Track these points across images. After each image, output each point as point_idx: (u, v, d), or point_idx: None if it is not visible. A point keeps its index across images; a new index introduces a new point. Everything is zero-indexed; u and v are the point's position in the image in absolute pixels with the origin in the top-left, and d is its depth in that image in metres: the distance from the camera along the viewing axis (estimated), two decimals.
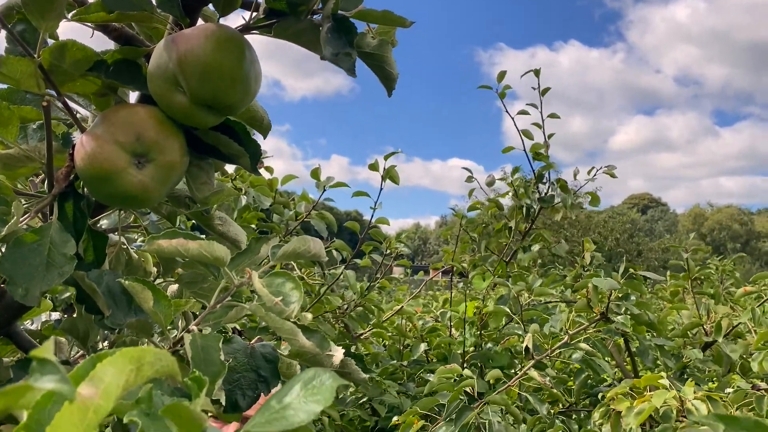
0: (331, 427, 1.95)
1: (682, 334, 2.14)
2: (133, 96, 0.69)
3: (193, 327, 0.61)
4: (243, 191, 1.90)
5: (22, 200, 0.65)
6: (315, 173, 2.11)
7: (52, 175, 0.61)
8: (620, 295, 1.94)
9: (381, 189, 2.16)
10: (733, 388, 1.84)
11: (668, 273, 2.52)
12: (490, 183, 2.83)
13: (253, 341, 0.80)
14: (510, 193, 2.69)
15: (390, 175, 2.12)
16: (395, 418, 1.72)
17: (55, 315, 1.04)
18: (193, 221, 0.82)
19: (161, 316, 0.59)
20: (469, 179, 2.82)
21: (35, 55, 0.55)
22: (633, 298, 1.96)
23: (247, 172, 1.98)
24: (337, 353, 0.75)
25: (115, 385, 0.34)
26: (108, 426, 0.74)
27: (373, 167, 2.12)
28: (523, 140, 2.59)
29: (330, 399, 0.46)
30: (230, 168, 1.86)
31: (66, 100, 0.61)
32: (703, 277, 2.42)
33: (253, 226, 1.99)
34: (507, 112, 2.58)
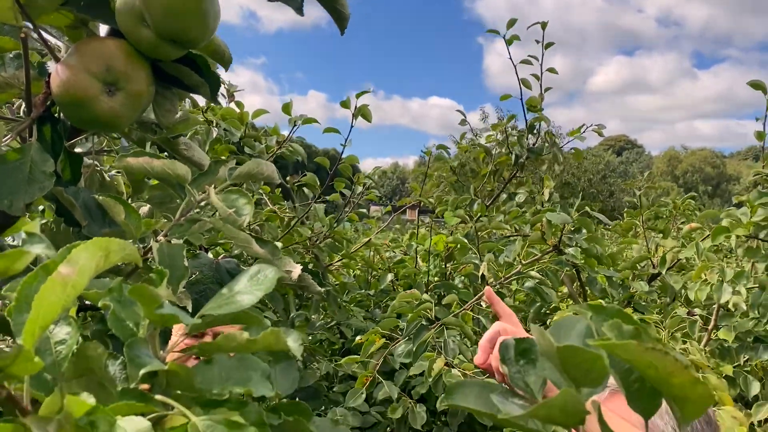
0: (303, 349, 2.08)
1: (631, 267, 2.29)
2: (103, 29, 0.75)
3: (160, 238, 0.69)
4: (214, 123, 1.95)
5: (2, 123, 0.72)
6: (286, 108, 2.16)
7: (30, 101, 0.68)
8: (572, 229, 2.06)
9: (352, 126, 2.22)
10: (673, 316, 2.00)
11: (624, 210, 2.66)
12: (477, 132, 2.92)
13: (218, 258, 0.89)
14: (498, 139, 2.77)
15: (362, 112, 2.18)
16: (359, 338, 1.85)
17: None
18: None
19: (132, 228, 0.68)
20: (463, 122, 2.90)
21: None
22: (584, 231, 2.09)
23: (218, 105, 2.03)
24: (296, 269, 0.85)
25: (88, 266, 0.43)
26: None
27: (345, 104, 2.18)
28: (521, 89, 2.63)
29: (271, 288, 0.57)
30: (202, 101, 1.91)
31: (41, 31, 0.67)
32: (657, 215, 2.55)
33: (223, 158, 2.05)
34: (511, 59, 2.60)
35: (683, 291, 2.16)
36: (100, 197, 0.67)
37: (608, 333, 0.48)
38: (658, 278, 2.28)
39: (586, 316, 0.56)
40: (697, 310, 2.03)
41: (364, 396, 1.75)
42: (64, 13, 0.68)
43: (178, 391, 0.50)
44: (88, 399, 0.37)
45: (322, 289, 0.97)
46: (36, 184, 0.65)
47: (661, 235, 2.37)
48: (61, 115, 0.71)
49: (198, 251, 0.83)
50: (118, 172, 0.97)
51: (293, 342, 0.53)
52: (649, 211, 2.39)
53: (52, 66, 0.75)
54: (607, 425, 0.46)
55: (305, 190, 2.34)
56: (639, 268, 2.33)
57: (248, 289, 0.56)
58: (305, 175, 2.31)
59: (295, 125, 2.03)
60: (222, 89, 2.28)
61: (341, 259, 2.39)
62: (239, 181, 0.68)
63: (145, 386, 0.48)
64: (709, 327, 1.85)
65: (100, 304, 0.52)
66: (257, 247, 0.66)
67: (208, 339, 0.89)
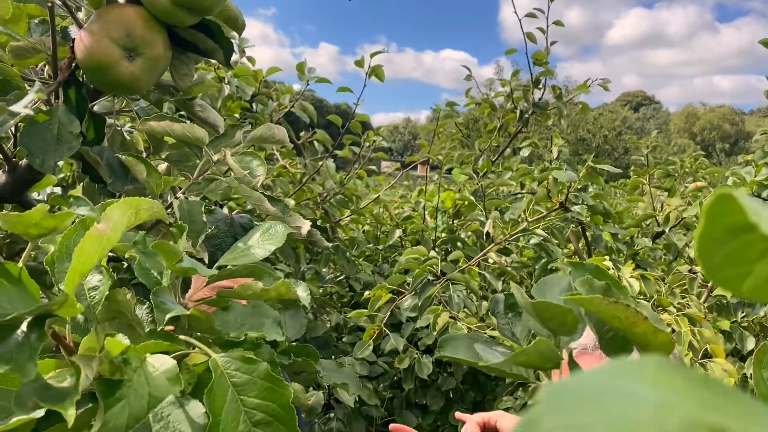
0: (312, 301, 2.16)
1: (636, 224, 2.32)
2: None
3: (180, 195, 0.74)
4: (226, 81, 1.98)
5: (27, 85, 0.76)
6: (300, 67, 2.18)
7: (57, 65, 0.72)
8: (579, 187, 2.09)
9: (364, 86, 2.24)
10: (674, 273, 2.04)
11: (632, 168, 2.67)
12: (489, 83, 2.92)
13: (233, 213, 0.95)
14: (504, 95, 2.77)
15: (375, 72, 2.20)
16: (367, 293, 1.92)
17: (57, 189, 1.18)
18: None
19: (152, 185, 0.73)
20: (468, 77, 2.90)
21: None
22: (591, 189, 2.12)
23: (231, 69, 2.06)
24: (305, 225, 0.90)
25: (120, 222, 0.48)
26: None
27: (359, 64, 2.19)
28: (526, 43, 2.62)
29: (281, 242, 0.62)
30: None
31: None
32: (664, 173, 2.57)
33: (236, 115, 2.09)
34: (516, 12, 2.59)
35: (687, 249, 2.20)
36: (123, 156, 0.72)
37: (579, 288, 0.54)
38: (663, 236, 2.32)
39: (566, 270, 0.62)
40: (698, 268, 2.07)
41: (371, 348, 1.82)
42: None
43: (198, 334, 0.56)
44: (123, 340, 0.43)
45: (330, 245, 1.03)
46: (64, 143, 0.70)
47: (667, 193, 2.39)
48: (85, 78, 0.75)
49: (213, 207, 0.88)
50: (131, 130, 1.02)
51: (302, 292, 0.58)
52: (657, 169, 2.41)
53: (74, 31, 0.79)
54: (577, 365, 0.52)
55: (315, 144, 2.38)
56: (644, 226, 2.37)
57: (261, 243, 0.61)
58: (315, 132, 2.34)
59: (308, 83, 2.05)
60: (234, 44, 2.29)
61: (351, 215, 2.45)
62: (253, 144, 0.72)
63: (170, 328, 0.53)
64: (709, 283, 1.90)
65: (126, 255, 0.58)
66: (269, 205, 0.71)
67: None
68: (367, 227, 2.73)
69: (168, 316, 0.51)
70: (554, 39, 2.66)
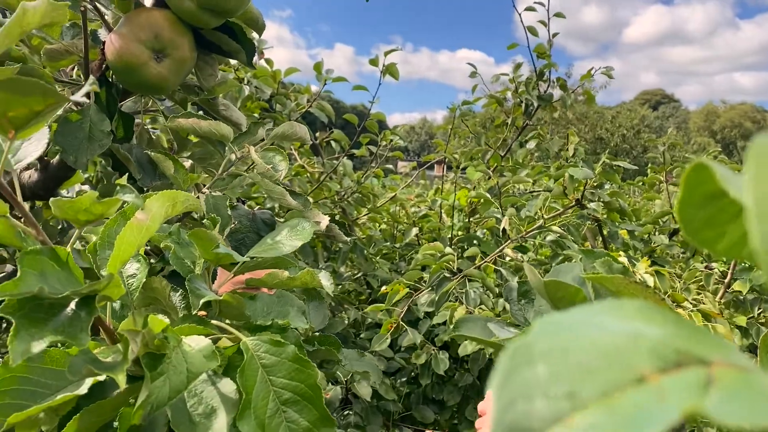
0: (330, 298, 2.19)
1: (653, 221, 2.33)
2: (147, 1, 0.82)
3: (205, 190, 0.78)
4: (246, 81, 2.02)
5: (59, 86, 0.80)
6: (317, 67, 2.22)
7: (88, 66, 0.76)
8: (595, 184, 2.10)
9: (379, 84, 2.27)
10: (690, 269, 2.05)
11: (649, 166, 2.67)
12: (495, 79, 2.93)
13: (254, 209, 0.98)
14: (511, 90, 2.79)
15: (390, 71, 2.23)
16: (384, 288, 1.95)
17: (85, 187, 1.22)
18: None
19: (180, 180, 0.76)
20: (473, 74, 2.91)
21: None
22: (607, 186, 2.13)
23: (253, 69, 2.10)
24: (324, 220, 0.93)
25: (159, 213, 0.51)
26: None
27: (373, 62, 2.22)
28: (528, 37, 2.64)
29: (308, 239, 0.65)
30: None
31: (95, 3, 0.74)
32: (683, 171, 2.56)
33: (255, 115, 2.13)
34: (514, 6, 2.61)
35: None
36: (152, 153, 0.76)
37: (599, 269, 0.56)
38: (679, 233, 2.32)
39: (578, 257, 0.64)
40: (715, 264, 2.07)
41: (389, 341, 1.85)
42: None
43: (227, 320, 0.59)
44: (165, 319, 0.46)
45: (348, 239, 1.05)
46: (96, 141, 0.74)
47: None
48: (114, 78, 0.79)
49: (236, 203, 0.91)
50: (155, 130, 1.06)
51: (325, 280, 0.61)
52: (674, 166, 2.41)
53: (102, 34, 0.83)
54: None
55: (333, 144, 2.41)
56: (661, 223, 2.37)
57: (288, 238, 0.64)
58: (332, 131, 2.38)
59: (325, 83, 2.09)
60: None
61: (368, 213, 2.48)
62: (276, 141, 0.75)
63: (202, 313, 0.57)
64: (726, 279, 1.90)
65: (162, 245, 0.61)
66: (291, 199, 0.74)
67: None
68: (384, 226, 2.76)
69: (202, 301, 0.54)
70: (565, 35, 2.71)
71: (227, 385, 0.51)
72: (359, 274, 2.40)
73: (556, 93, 2.71)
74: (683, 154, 2.79)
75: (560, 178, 2.15)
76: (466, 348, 1.97)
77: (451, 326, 1.84)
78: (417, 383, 2.17)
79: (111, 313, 0.53)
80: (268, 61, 2.27)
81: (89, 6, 0.75)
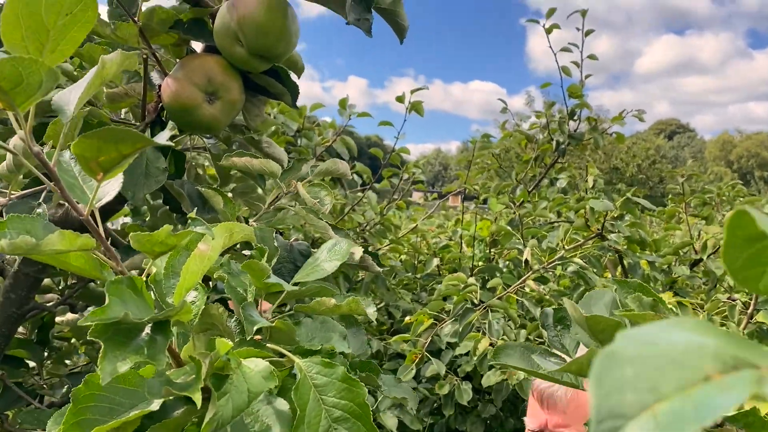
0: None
1: (674, 252, 2.34)
2: (198, 46, 0.88)
3: (252, 223, 0.82)
4: (272, 116, 2.09)
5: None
6: (342, 103, 2.29)
7: (145, 108, 0.81)
8: (615, 216, 2.13)
9: (405, 121, 2.33)
10: (713, 300, 2.05)
11: (669, 197, 2.69)
12: (520, 118, 3.00)
13: (291, 240, 1.02)
14: (539, 126, 2.84)
15: (415, 108, 2.29)
16: (408, 318, 1.97)
17: (128, 219, 1.27)
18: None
19: (228, 214, 0.81)
20: (504, 110, 2.98)
21: (136, 19, 0.74)
22: (627, 218, 2.15)
23: (297, 109, 2.18)
24: (357, 251, 0.97)
25: (218, 244, 0.56)
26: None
27: (400, 99, 2.28)
28: (561, 76, 2.68)
29: (345, 257, 0.69)
30: None
31: (154, 51, 0.80)
32: (701, 202, 2.59)
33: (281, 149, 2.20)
34: (551, 47, 2.66)
35: (726, 276, 2.21)
36: (203, 189, 0.81)
37: (631, 305, 0.59)
38: (701, 264, 2.33)
39: (612, 289, 0.67)
40: (737, 296, 2.08)
41: (414, 372, 1.87)
42: (171, 34, 0.81)
43: (278, 345, 0.63)
44: (229, 342, 0.50)
45: (381, 269, 1.09)
46: (152, 177, 0.79)
47: (704, 221, 2.41)
48: (167, 118, 0.84)
49: (274, 235, 0.96)
50: (196, 162, 1.11)
51: (369, 308, 0.65)
52: (694, 197, 2.43)
53: (155, 78, 0.89)
54: None
55: (355, 177, 2.47)
56: (681, 254, 2.38)
57: (328, 258, 0.69)
58: (355, 164, 2.44)
59: (349, 118, 2.15)
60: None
61: (389, 244, 2.52)
62: (320, 177, 0.80)
63: (257, 338, 0.60)
64: (749, 310, 1.90)
65: (215, 276, 0.66)
66: (332, 233, 0.78)
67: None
68: (405, 256, 2.79)
69: (256, 327, 0.58)
70: (590, 76, 2.72)
71: (281, 405, 0.55)
72: (381, 304, 2.43)
73: (582, 127, 2.75)
74: (701, 184, 2.81)
75: (581, 210, 2.18)
76: (490, 379, 1.98)
77: (474, 357, 1.85)
78: (440, 414, 2.17)
79: (176, 338, 0.57)
80: None
81: (149, 54, 0.81)
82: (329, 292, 0.70)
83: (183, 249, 0.57)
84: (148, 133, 0.82)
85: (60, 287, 1.18)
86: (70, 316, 1.30)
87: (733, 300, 1.99)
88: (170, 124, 0.74)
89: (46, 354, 1.34)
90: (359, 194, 2.32)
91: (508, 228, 2.23)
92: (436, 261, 2.62)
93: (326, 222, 0.78)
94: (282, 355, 0.58)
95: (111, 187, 0.49)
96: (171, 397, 0.54)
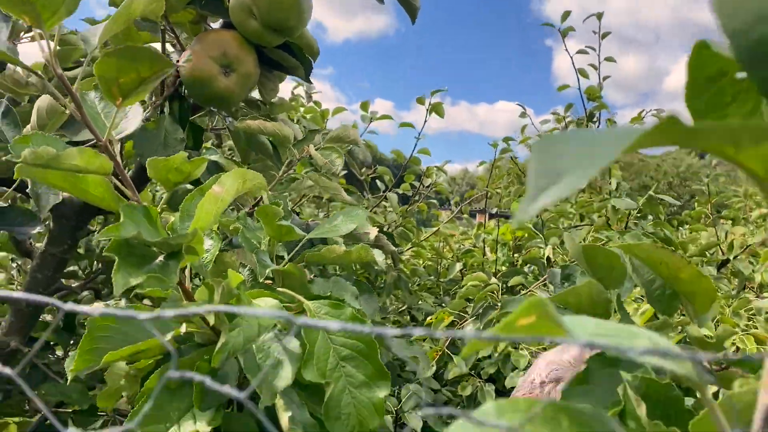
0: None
1: (700, 253, 2.30)
2: (215, 23, 0.91)
3: (264, 193, 0.84)
4: (296, 120, 2.13)
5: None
6: (364, 105, 2.32)
7: (164, 82, 0.84)
8: (638, 215, 2.11)
9: (425, 121, 2.35)
10: (741, 298, 2.01)
11: (695, 199, 2.66)
12: (544, 122, 3.00)
13: (309, 220, 1.04)
14: (560, 130, 2.84)
15: (435, 109, 2.31)
16: (429, 317, 1.97)
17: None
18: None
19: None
20: (523, 115, 2.99)
21: None
22: (650, 218, 2.13)
23: (300, 104, 2.22)
24: (372, 230, 0.98)
25: (232, 188, 0.58)
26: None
27: (420, 101, 2.31)
28: (579, 79, 2.69)
29: (362, 222, 0.70)
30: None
31: (172, 26, 0.84)
32: (728, 203, 2.55)
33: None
34: (567, 50, 2.68)
35: (754, 275, 2.16)
36: (221, 159, 0.83)
37: (629, 240, 0.59)
38: (728, 264, 2.29)
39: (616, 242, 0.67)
40: (767, 294, 2.04)
41: (434, 368, 1.86)
42: (189, 11, 0.85)
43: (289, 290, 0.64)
44: (240, 275, 0.51)
45: (396, 249, 1.10)
46: (170, 147, 0.81)
47: (731, 222, 2.37)
48: (186, 93, 0.88)
49: (291, 213, 0.98)
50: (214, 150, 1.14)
51: (379, 256, 0.66)
52: (720, 197, 2.40)
53: (172, 55, 0.92)
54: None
55: (378, 182, 2.49)
56: (708, 255, 2.34)
57: (344, 222, 0.70)
58: (377, 168, 2.46)
59: (371, 121, 2.18)
60: (302, 90, 2.47)
61: (411, 247, 2.52)
62: (331, 144, 0.82)
63: (268, 282, 0.62)
64: None
65: (231, 228, 0.68)
66: (345, 195, 0.80)
67: None
68: (428, 262, 2.80)
69: (268, 270, 0.59)
70: (608, 78, 2.72)
71: (292, 342, 0.56)
72: (404, 307, 2.43)
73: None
74: (732, 188, 2.77)
75: (602, 210, 2.17)
76: (513, 380, 1.96)
77: (496, 354, 1.84)
78: None
79: (189, 278, 0.59)
80: (317, 103, 2.39)
81: (167, 28, 0.84)
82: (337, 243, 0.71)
83: (198, 194, 0.59)
84: (167, 107, 0.85)
85: (85, 272, 1.21)
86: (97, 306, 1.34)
87: (763, 298, 1.95)
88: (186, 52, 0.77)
89: (71, 342, 1.38)
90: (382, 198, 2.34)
91: (532, 228, 2.23)
92: (459, 266, 2.62)
93: (336, 184, 0.80)
94: (293, 301, 0.59)
95: (129, 123, 0.52)
96: (183, 332, 0.56)
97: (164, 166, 0.48)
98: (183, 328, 0.54)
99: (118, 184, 0.49)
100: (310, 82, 0.90)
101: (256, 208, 0.64)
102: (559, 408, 0.25)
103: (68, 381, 0.54)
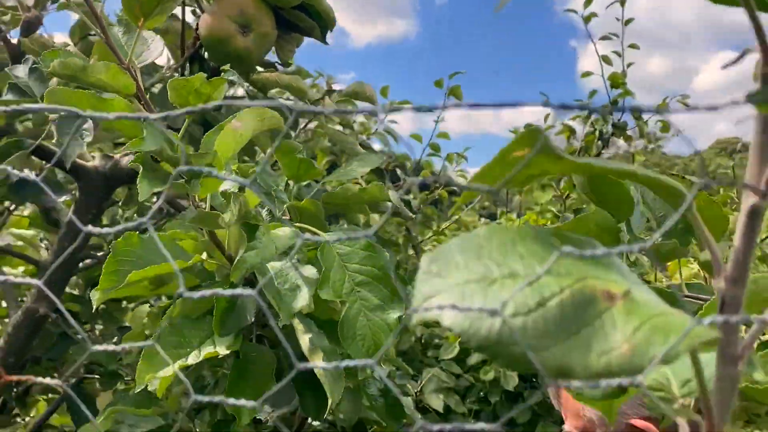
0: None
1: (727, 238, 2.26)
2: None
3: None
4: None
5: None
6: (384, 91, 2.32)
7: (184, 43, 0.87)
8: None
9: (444, 105, 2.35)
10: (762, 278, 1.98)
11: (719, 186, 2.62)
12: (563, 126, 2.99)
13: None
14: (583, 116, 2.81)
15: (453, 92, 2.30)
16: None
17: None
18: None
19: (261, 141, 0.85)
20: (546, 104, 2.96)
21: None
22: None
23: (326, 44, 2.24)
24: (393, 194, 0.99)
25: (251, 124, 0.59)
26: None
27: (438, 84, 2.30)
28: (602, 66, 2.65)
29: (376, 164, 0.71)
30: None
31: None
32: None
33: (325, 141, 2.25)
34: (590, 38, 2.64)
35: None
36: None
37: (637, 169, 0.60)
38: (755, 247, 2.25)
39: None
40: None
41: (457, 350, 1.87)
42: None
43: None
44: (257, 197, 0.53)
45: (414, 216, 1.12)
46: (189, 106, 0.83)
47: None
48: (206, 55, 0.90)
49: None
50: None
51: (393, 195, 0.67)
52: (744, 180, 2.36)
53: (190, 18, 0.94)
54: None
55: (398, 171, 2.49)
56: (733, 239, 2.31)
57: (359, 165, 0.71)
58: (395, 157, 2.46)
59: (390, 107, 2.20)
60: (322, 81, 2.50)
61: (432, 236, 2.52)
62: (347, 98, 0.83)
63: (285, 217, 0.63)
64: None
65: (249, 172, 0.69)
66: (359, 148, 0.81)
67: None
68: None
69: (285, 206, 0.61)
70: (630, 85, 2.68)
71: (309, 270, 0.57)
72: None
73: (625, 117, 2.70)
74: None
75: None
76: None
77: None
78: (487, 401, 2.15)
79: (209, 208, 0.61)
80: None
81: None
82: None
83: (217, 131, 0.61)
84: (187, 67, 0.87)
85: (110, 244, 1.24)
86: None
87: None
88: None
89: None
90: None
91: (555, 210, 2.22)
92: None
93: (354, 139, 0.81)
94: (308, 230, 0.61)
95: (150, 53, 0.53)
96: (203, 260, 0.58)
97: (184, 87, 0.50)
98: (204, 255, 0.56)
99: (139, 106, 0.50)
100: (326, 43, 0.91)
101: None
102: (551, 230, 0.25)
103: (94, 307, 0.55)
